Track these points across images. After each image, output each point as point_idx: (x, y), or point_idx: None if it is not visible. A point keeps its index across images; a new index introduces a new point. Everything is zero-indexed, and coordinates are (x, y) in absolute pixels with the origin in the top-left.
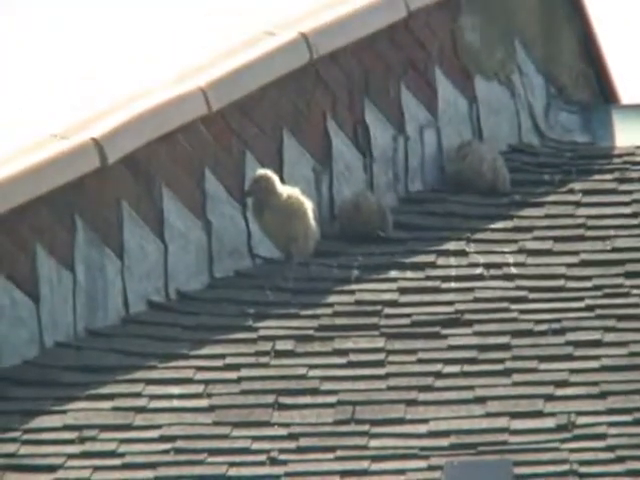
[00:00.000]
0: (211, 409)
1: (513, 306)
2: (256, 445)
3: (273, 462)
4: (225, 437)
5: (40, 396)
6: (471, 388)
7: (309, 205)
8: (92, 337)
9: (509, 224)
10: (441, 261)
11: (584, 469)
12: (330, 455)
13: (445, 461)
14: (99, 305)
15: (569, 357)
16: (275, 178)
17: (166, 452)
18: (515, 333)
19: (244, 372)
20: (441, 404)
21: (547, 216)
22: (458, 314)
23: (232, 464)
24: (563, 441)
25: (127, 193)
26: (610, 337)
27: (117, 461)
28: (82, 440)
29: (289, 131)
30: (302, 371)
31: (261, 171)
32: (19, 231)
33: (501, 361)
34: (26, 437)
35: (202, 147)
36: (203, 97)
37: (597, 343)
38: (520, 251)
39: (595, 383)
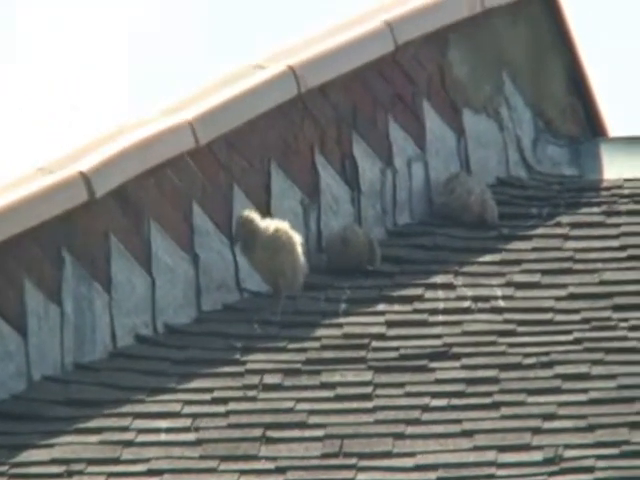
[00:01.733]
0: (199, 443)
1: (501, 339)
2: (244, 479)
3: None
4: (213, 471)
5: (27, 430)
6: (459, 421)
7: (297, 239)
8: (80, 371)
9: (497, 257)
10: (429, 294)
11: None
12: None
13: None
14: (87, 339)
15: (557, 390)
16: (254, 216)
17: None
18: (503, 366)
19: (232, 406)
20: (429, 437)
21: (535, 249)
22: (446, 347)
23: None
24: (551, 474)
25: (115, 227)
26: (598, 370)
27: None
28: (70, 474)
29: (277, 165)
30: (290, 404)
31: (242, 214)
32: (7, 265)
33: (489, 394)
34: (13, 471)
35: (190, 181)
36: (191, 131)
37: (585, 376)
38: (508, 284)
39: (583, 416)
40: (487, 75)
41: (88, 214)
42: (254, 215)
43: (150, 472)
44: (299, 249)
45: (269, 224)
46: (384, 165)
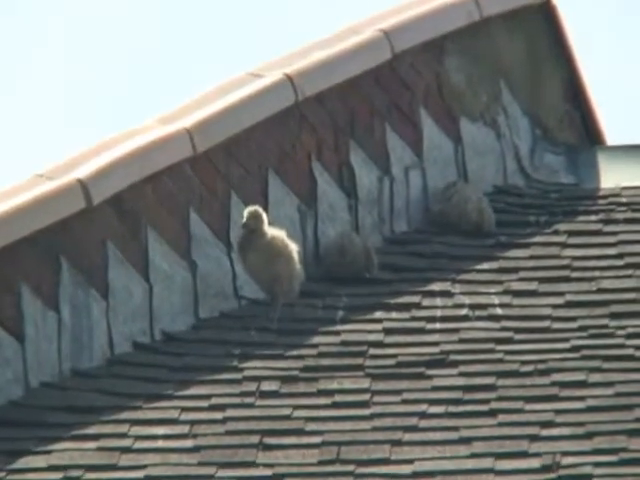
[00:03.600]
0: (196, 449)
1: (498, 347)
2: None
3: None
4: (210, 477)
5: (25, 436)
6: (456, 429)
7: (294, 247)
8: (77, 377)
9: (494, 265)
10: (426, 302)
11: None
12: None
13: None
14: (84, 346)
15: (554, 398)
16: (264, 217)
17: None
18: (500, 374)
19: (229, 412)
20: (426, 444)
21: (532, 257)
22: (443, 355)
23: None
24: None
25: (112, 234)
26: (595, 378)
27: None
28: None
29: (274, 172)
30: (287, 412)
31: (254, 207)
32: (4, 271)
33: (486, 402)
34: (11, 477)
35: (187, 188)
36: (189, 138)
37: (582, 384)
38: (505, 292)
39: (581, 424)
40: (484, 83)
41: (86, 221)
42: (265, 216)
43: (148, 479)
44: (295, 256)
45: (269, 230)
46: (381, 173)
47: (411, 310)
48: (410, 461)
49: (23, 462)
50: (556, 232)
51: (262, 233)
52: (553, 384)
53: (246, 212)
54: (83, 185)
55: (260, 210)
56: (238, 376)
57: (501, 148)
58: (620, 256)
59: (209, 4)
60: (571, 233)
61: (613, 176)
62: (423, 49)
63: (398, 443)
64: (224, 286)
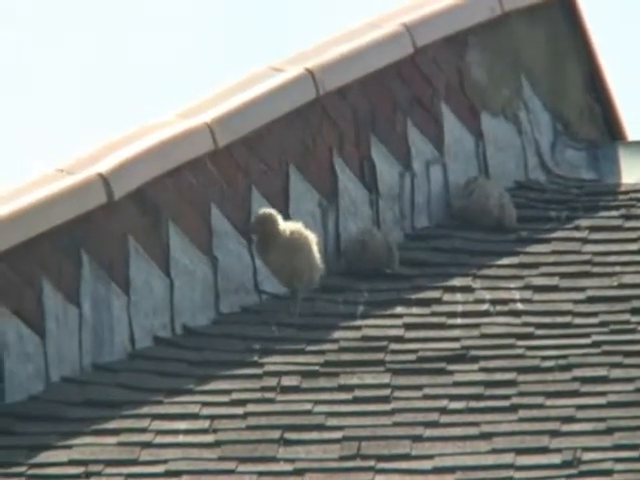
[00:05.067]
0: (217, 444)
1: (519, 342)
2: None
3: None
4: (231, 472)
5: (46, 431)
6: (477, 424)
7: (313, 238)
8: (98, 372)
9: (515, 260)
10: (447, 297)
11: None
12: None
13: None
14: (105, 340)
15: (575, 393)
16: (277, 218)
17: None
18: (521, 369)
19: (250, 408)
20: (447, 440)
21: (553, 252)
22: (464, 350)
23: None
24: (569, 477)
25: (133, 228)
26: (616, 373)
27: None
28: (88, 475)
29: (295, 167)
30: (308, 407)
31: (264, 211)
32: (25, 266)
33: (507, 397)
34: (32, 472)
35: (208, 183)
36: (210, 133)
37: (603, 379)
38: (526, 287)
39: (601, 419)
40: (506, 78)
41: (107, 216)
42: (277, 217)
43: (168, 473)
44: (315, 248)
45: (285, 227)
46: (403, 168)
47: (432, 305)
48: (430, 456)
49: (44, 457)
50: (577, 227)
51: (279, 232)
52: (574, 380)
53: (253, 217)
54: (104, 180)
55: (267, 213)
56: (259, 371)
57: (522, 143)
58: None
59: None
60: (592, 228)
61: (634, 171)
62: (445, 44)
63: (419, 438)
64: (245, 281)
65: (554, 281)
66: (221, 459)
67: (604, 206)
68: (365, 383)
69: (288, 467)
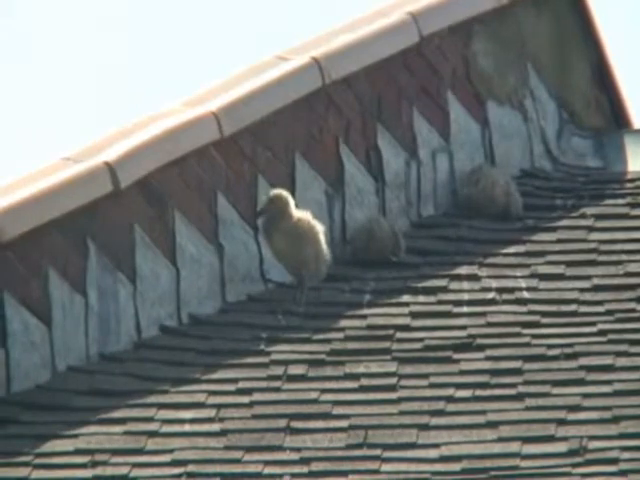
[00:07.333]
0: (223, 433)
1: (525, 331)
2: (268, 470)
3: None
4: (237, 461)
5: (52, 420)
6: (483, 413)
7: (320, 228)
8: (104, 361)
9: (521, 249)
10: (453, 286)
11: None
12: (342, 479)
13: None
14: (111, 329)
15: (581, 382)
16: (290, 199)
17: (178, 476)
18: (527, 358)
19: (256, 396)
20: (453, 429)
21: (559, 241)
22: (470, 339)
23: None
24: (575, 466)
25: (140, 217)
26: (622, 362)
27: None
28: (94, 464)
29: (301, 155)
30: (314, 395)
31: (277, 191)
32: (32, 255)
33: (513, 386)
34: (38, 461)
35: (214, 172)
36: (216, 122)
37: (609, 368)
38: (532, 276)
39: (607, 408)
40: (511, 66)
41: (113, 205)
42: (291, 199)
43: (174, 462)
44: (322, 238)
45: (295, 213)
46: (409, 156)
47: (438, 294)
48: (437, 445)
49: (50, 446)
50: (583, 216)
51: (288, 216)
52: (580, 368)
53: (265, 197)
54: (110, 168)
55: (282, 194)
56: (265, 360)
57: (528, 131)
58: None
59: None
60: (598, 217)
61: None
62: (451, 32)
63: (425, 427)
64: (251, 269)
65: (560, 269)
66: (227, 448)
67: (610, 194)
68: (371, 372)
69: (294, 456)
